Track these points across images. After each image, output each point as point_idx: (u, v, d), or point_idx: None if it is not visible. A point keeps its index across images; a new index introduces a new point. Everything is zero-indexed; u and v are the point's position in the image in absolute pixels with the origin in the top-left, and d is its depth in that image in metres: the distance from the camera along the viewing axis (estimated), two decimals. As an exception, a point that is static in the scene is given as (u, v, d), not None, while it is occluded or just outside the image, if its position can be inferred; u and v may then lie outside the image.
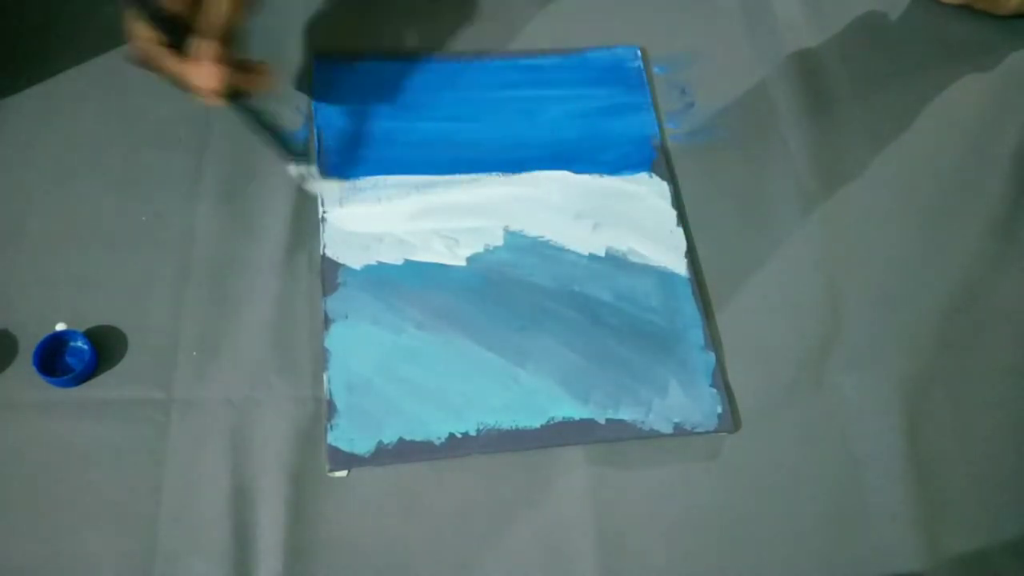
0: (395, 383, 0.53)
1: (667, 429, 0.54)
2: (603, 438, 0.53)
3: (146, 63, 0.50)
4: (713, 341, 0.57)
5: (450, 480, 0.52)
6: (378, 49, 0.65)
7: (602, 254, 0.59)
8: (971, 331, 0.60)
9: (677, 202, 0.61)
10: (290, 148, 0.57)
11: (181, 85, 0.50)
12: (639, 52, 0.68)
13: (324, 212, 0.58)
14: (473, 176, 0.61)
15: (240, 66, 0.50)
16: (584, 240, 0.59)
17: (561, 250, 0.59)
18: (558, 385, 0.54)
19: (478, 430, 0.52)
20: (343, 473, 0.51)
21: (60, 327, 0.52)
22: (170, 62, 0.50)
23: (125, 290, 0.54)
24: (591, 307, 0.57)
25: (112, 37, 0.63)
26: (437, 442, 0.52)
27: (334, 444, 0.51)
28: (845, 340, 0.58)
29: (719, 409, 0.54)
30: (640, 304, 0.57)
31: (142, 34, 0.49)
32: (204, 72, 0.49)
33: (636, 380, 0.55)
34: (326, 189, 0.58)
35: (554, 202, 0.61)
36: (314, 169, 0.58)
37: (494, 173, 0.61)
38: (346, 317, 0.55)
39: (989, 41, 0.73)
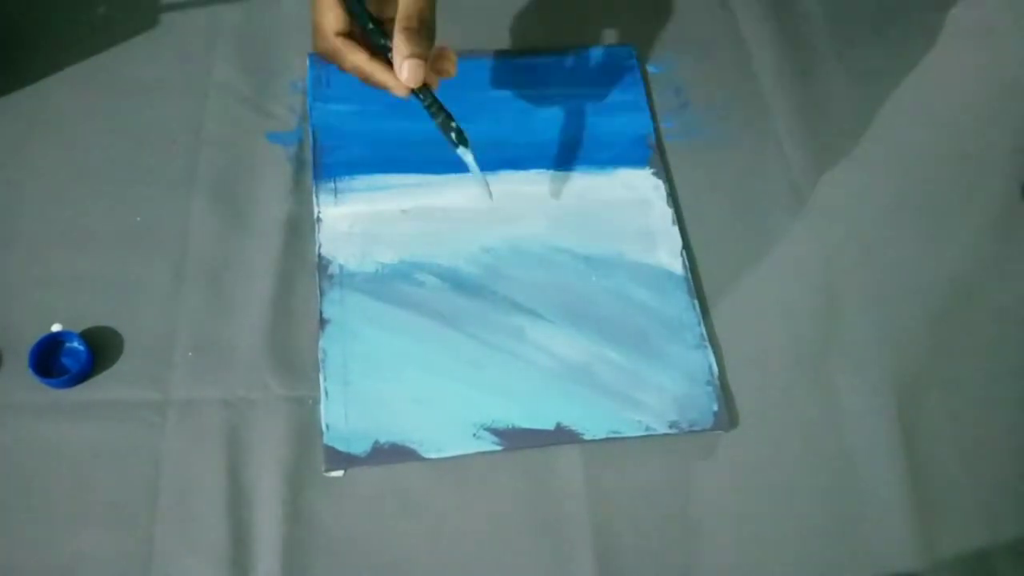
0: (391, 383, 0.53)
1: (663, 427, 0.54)
2: (599, 437, 0.53)
3: (332, 58, 0.49)
4: (709, 339, 0.57)
5: (446, 479, 0.52)
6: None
7: (598, 253, 0.59)
8: (968, 331, 0.60)
9: (673, 201, 0.62)
10: (461, 135, 0.53)
11: (368, 80, 0.49)
12: (634, 51, 0.68)
13: (319, 212, 0.58)
14: (468, 175, 0.60)
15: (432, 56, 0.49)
16: (580, 239, 0.59)
17: (557, 249, 0.59)
18: (554, 384, 0.54)
19: (475, 429, 0.52)
20: (339, 473, 0.51)
21: (56, 328, 0.52)
22: (361, 59, 0.48)
23: (121, 291, 0.54)
24: (587, 306, 0.57)
25: (105, 37, 0.63)
26: (433, 441, 0.52)
27: (330, 444, 0.51)
28: (842, 340, 0.58)
29: (715, 407, 0.55)
30: (635, 302, 0.57)
31: (332, 27, 0.48)
32: (407, 69, 0.47)
33: (632, 378, 0.55)
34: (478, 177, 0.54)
35: (550, 201, 0.61)
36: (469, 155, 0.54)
37: (489, 172, 0.61)
38: (342, 317, 0.55)
39: (988, 35, 0.73)
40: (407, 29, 0.47)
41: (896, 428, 0.56)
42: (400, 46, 0.47)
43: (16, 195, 0.57)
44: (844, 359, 0.58)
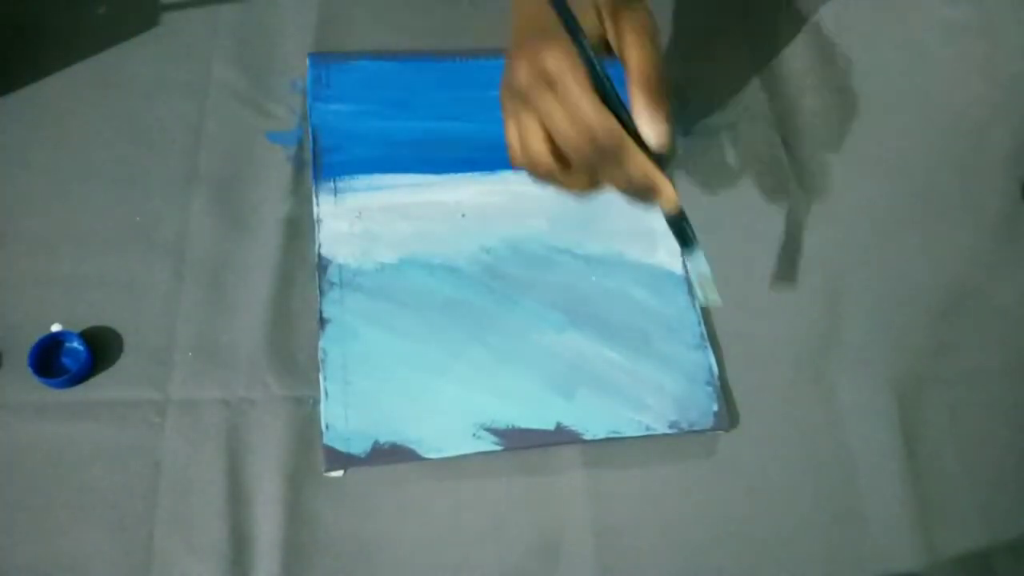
0: (391, 383, 0.53)
1: (663, 427, 0.54)
2: (599, 437, 0.53)
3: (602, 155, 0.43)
4: (709, 339, 0.57)
5: (446, 480, 0.52)
6: (373, 48, 0.65)
7: (598, 253, 0.59)
8: (967, 331, 0.60)
9: (672, 201, 0.61)
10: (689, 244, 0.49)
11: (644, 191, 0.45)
12: (634, 51, 0.68)
13: (319, 212, 0.58)
14: (468, 175, 0.61)
15: None
16: (580, 239, 0.59)
17: (557, 249, 0.59)
18: (554, 384, 0.54)
19: (475, 429, 0.52)
20: (339, 473, 0.51)
21: (55, 328, 0.52)
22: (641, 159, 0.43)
23: (120, 291, 0.54)
24: (587, 306, 0.57)
25: (105, 37, 0.63)
26: (433, 441, 0.52)
27: (330, 444, 0.51)
28: (842, 339, 0.58)
29: (715, 407, 0.55)
30: (636, 302, 0.57)
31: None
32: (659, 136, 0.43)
33: (632, 378, 0.55)
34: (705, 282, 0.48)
35: (550, 201, 0.60)
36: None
37: (489, 172, 0.61)
38: (342, 317, 0.54)
39: (988, 34, 0.73)
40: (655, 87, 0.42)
41: (896, 428, 0.56)
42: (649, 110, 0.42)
43: (16, 195, 0.57)
44: (844, 359, 0.58)
